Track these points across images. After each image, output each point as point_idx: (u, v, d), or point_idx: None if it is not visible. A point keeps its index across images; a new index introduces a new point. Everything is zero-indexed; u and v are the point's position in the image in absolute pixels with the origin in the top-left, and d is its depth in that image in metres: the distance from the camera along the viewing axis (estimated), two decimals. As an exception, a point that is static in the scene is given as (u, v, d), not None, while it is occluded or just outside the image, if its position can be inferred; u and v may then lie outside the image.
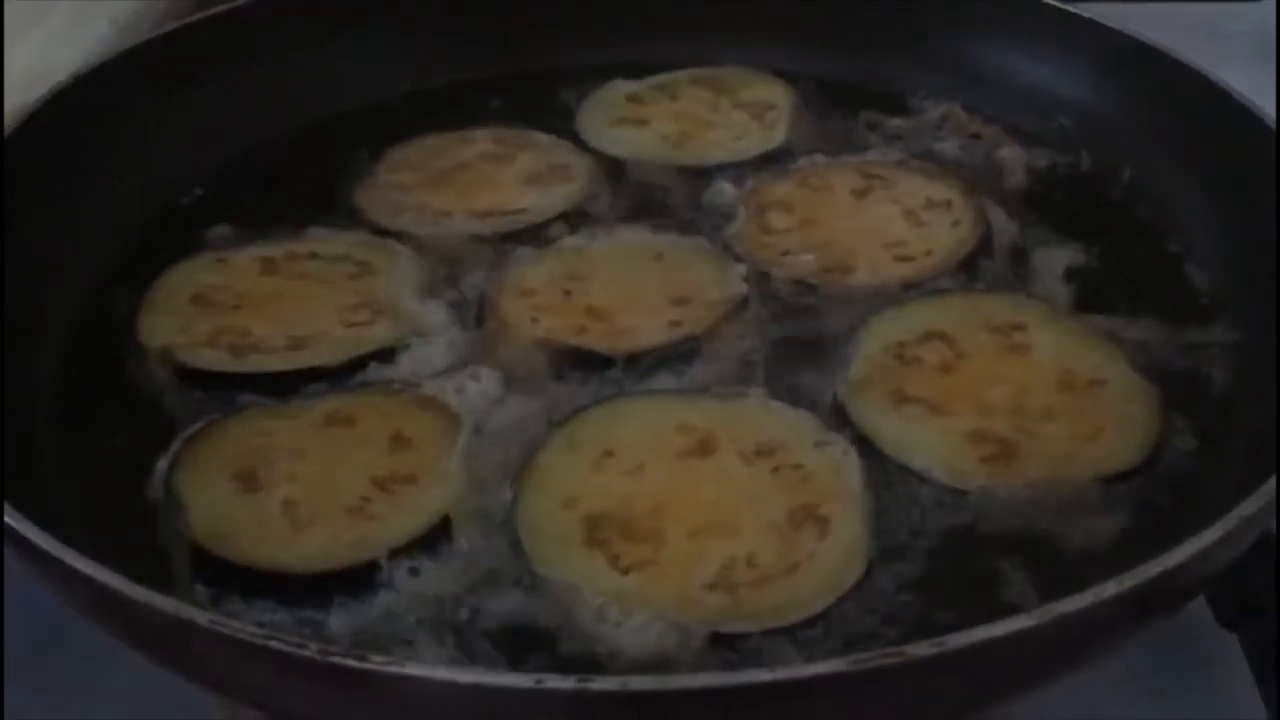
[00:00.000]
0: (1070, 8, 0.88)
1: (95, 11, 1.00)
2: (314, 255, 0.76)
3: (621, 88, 0.93)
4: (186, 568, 0.58)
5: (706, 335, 0.70)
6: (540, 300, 0.72)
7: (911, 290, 0.73)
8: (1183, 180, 0.81)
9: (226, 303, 0.73)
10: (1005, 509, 0.61)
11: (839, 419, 0.64)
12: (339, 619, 0.56)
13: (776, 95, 0.91)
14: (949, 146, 0.87)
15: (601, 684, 0.45)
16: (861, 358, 0.68)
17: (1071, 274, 0.76)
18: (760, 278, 0.74)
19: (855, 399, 0.65)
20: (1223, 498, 0.55)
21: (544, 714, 0.46)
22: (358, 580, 0.57)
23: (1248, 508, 0.52)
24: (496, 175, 0.84)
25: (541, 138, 0.87)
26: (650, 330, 0.70)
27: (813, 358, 0.69)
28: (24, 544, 0.51)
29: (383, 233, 0.78)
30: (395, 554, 0.58)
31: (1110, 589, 0.48)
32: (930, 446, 0.63)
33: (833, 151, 0.86)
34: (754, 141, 0.87)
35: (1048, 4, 0.89)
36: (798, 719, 0.48)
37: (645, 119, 0.90)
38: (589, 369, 0.68)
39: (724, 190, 0.83)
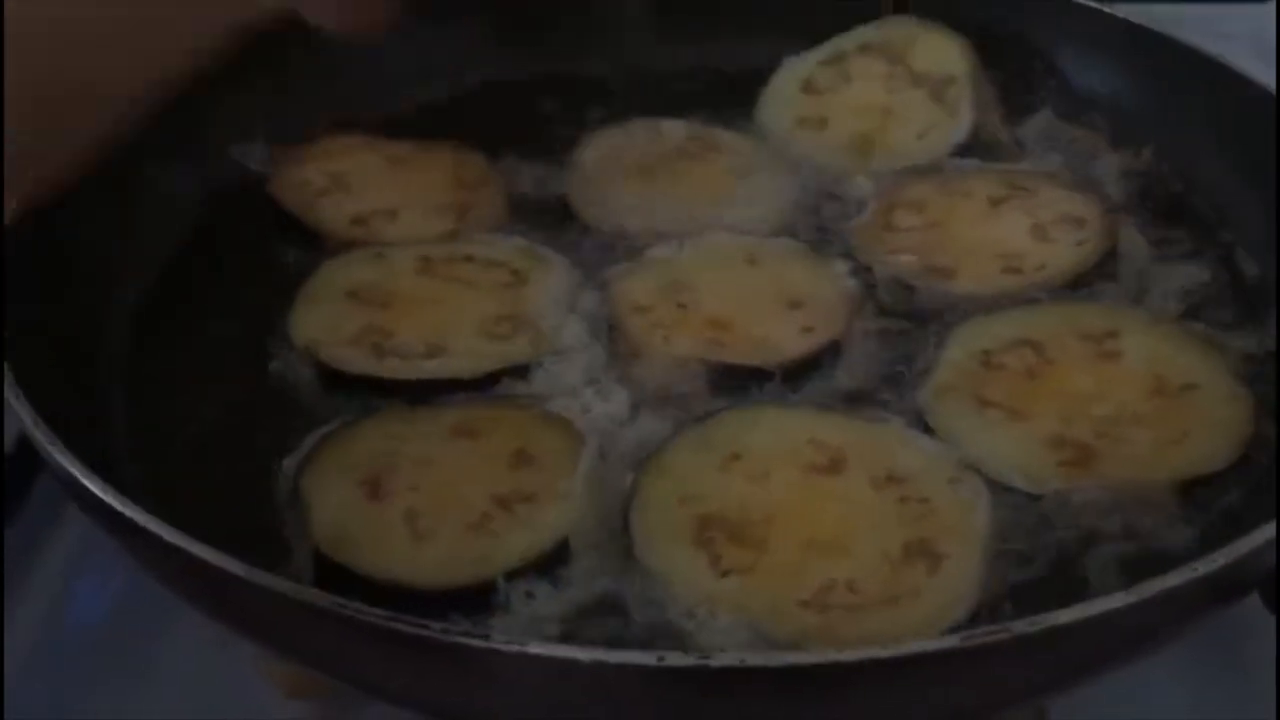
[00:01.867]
0: (1104, 7, 0.88)
1: None
2: (470, 259, 0.77)
3: (793, 71, 0.91)
4: (309, 570, 0.60)
5: (844, 338, 0.70)
6: (659, 316, 0.72)
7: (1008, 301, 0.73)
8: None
9: (377, 300, 0.74)
10: (1081, 512, 0.62)
11: (921, 424, 0.65)
12: (321, 595, 0.56)
13: (951, 59, 0.88)
14: (1108, 160, 0.86)
15: (722, 660, 0.48)
16: (945, 363, 0.69)
17: (1189, 293, 0.75)
18: (865, 274, 0.75)
19: (936, 404, 0.66)
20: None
21: (663, 691, 0.48)
22: (474, 600, 0.58)
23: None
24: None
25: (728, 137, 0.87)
26: (786, 338, 0.71)
27: (911, 366, 0.70)
28: (148, 537, 0.53)
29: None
30: (512, 576, 0.59)
31: (1200, 569, 0.51)
32: (1007, 451, 0.64)
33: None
34: (940, 136, 0.85)
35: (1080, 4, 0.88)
36: (908, 694, 0.50)
37: (824, 117, 0.88)
38: (742, 384, 0.69)
39: (862, 185, 0.82)
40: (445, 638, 0.48)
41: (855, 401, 0.68)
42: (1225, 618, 0.57)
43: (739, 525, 0.60)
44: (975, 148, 0.85)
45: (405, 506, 0.62)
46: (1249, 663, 0.67)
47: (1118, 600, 0.49)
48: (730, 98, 0.90)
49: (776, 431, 0.64)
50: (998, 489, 0.63)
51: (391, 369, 0.70)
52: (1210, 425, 0.65)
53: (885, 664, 0.48)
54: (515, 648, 0.48)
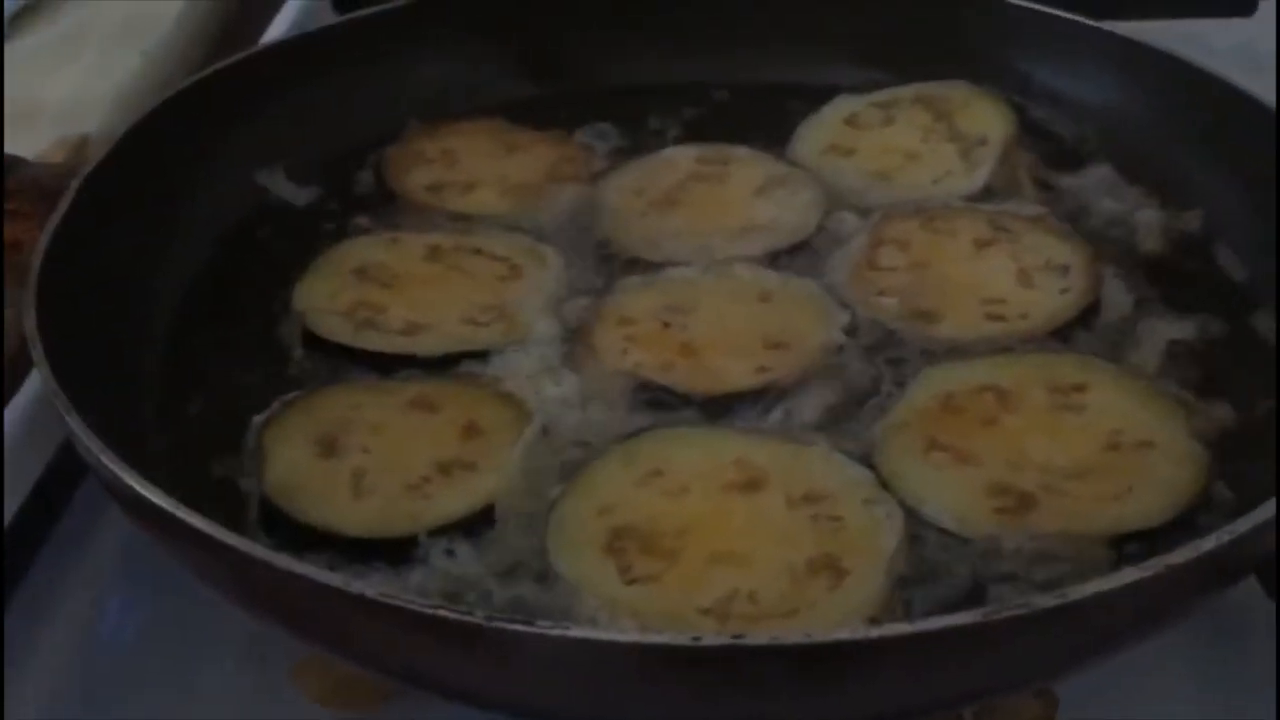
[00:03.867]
0: (1102, 25, 0.92)
1: (126, 45, 1.10)
2: (478, 251, 0.84)
3: (845, 104, 0.96)
4: (256, 517, 0.66)
5: (790, 383, 0.72)
6: (636, 330, 0.77)
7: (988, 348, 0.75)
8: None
9: (380, 279, 0.81)
10: (1010, 561, 0.63)
11: (869, 463, 0.67)
12: (372, 585, 0.61)
13: (993, 124, 0.92)
14: (1103, 203, 0.88)
15: (754, 639, 0.50)
16: (905, 403, 0.70)
17: (1174, 347, 0.76)
18: (853, 317, 0.77)
19: (886, 443, 0.68)
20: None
21: (698, 669, 0.51)
22: (397, 552, 0.64)
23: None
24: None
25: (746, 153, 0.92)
26: (736, 374, 0.73)
27: (878, 405, 0.72)
28: (157, 513, 0.57)
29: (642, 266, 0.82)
30: (435, 533, 0.64)
31: (1214, 540, 0.53)
32: (945, 493, 0.65)
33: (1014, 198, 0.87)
34: (952, 184, 0.89)
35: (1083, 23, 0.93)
36: (932, 671, 0.53)
37: (854, 148, 0.93)
38: (667, 404, 0.72)
39: (846, 219, 0.85)
40: (485, 623, 0.50)
41: (796, 431, 0.70)
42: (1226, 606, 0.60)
43: (650, 537, 0.63)
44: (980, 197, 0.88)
45: (353, 465, 0.68)
46: (1250, 652, 0.69)
47: (1134, 574, 0.52)
48: (766, 114, 0.96)
49: (703, 451, 0.67)
50: (928, 526, 0.65)
51: (363, 340, 0.76)
52: (1155, 483, 0.66)
53: (913, 639, 0.50)
54: (557, 631, 0.51)
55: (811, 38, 1.00)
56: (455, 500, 0.66)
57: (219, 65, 0.91)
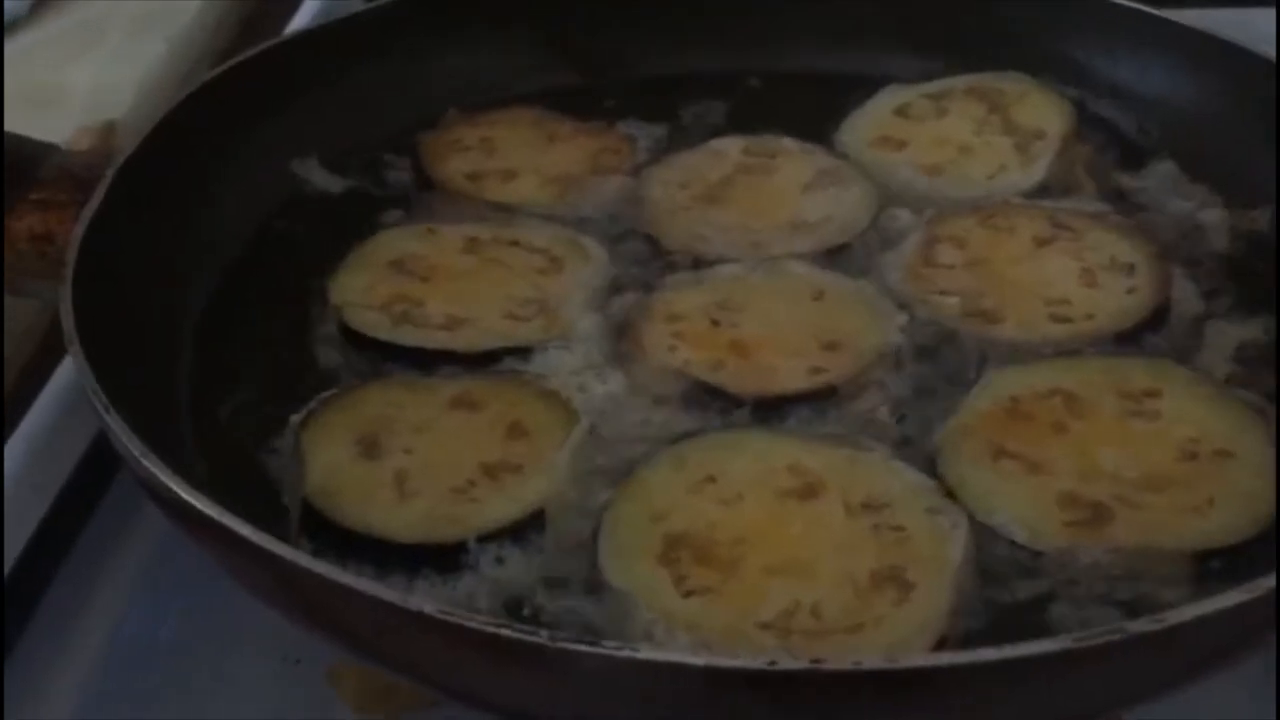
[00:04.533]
0: (1163, 13, 0.90)
1: (150, 32, 1.10)
2: (516, 243, 0.82)
3: (895, 96, 0.93)
4: (297, 520, 0.64)
5: (845, 386, 0.70)
6: (685, 328, 0.75)
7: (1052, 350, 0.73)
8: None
9: (418, 272, 0.79)
10: (1084, 573, 0.61)
11: (931, 469, 0.65)
12: (420, 592, 0.60)
13: (1049, 118, 0.90)
14: (1167, 201, 0.85)
15: (835, 664, 0.48)
16: (968, 408, 0.68)
17: (1242, 350, 0.73)
18: (910, 316, 0.75)
19: (949, 449, 0.66)
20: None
21: (772, 694, 0.49)
22: (445, 558, 0.62)
23: None
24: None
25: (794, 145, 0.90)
26: (789, 374, 0.71)
27: (938, 409, 0.70)
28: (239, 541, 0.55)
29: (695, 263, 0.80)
30: (484, 539, 0.62)
31: None
32: (1015, 503, 0.63)
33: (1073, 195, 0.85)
34: (1008, 180, 0.87)
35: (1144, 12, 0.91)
36: (1011, 696, 0.51)
37: (905, 140, 0.91)
38: (718, 405, 0.70)
39: (900, 216, 0.83)
40: (551, 644, 0.48)
41: (852, 435, 0.68)
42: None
43: (706, 546, 0.61)
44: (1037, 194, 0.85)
45: (396, 467, 0.66)
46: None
47: (1232, 599, 0.50)
48: (813, 104, 0.94)
49: (755, 455, 0.66)
50: (997, 538, 0.63)
51: (403, 336, 0.73)
52: (1238, 496, 0.64)
53: (998, 666, 0.48)
54: (626, 654, 0.48)
55: (860, 26, 0.98)
56: (504, 505, 0.64)
57: (250, 53, 0.89)
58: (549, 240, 0.82)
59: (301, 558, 0.52)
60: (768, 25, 1.00)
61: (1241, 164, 0.85)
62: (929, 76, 0.95)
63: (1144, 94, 0.92)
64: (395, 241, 0.82)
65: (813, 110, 0.93)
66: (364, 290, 0.77)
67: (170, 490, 0.55)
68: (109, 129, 0.93)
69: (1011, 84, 0.94)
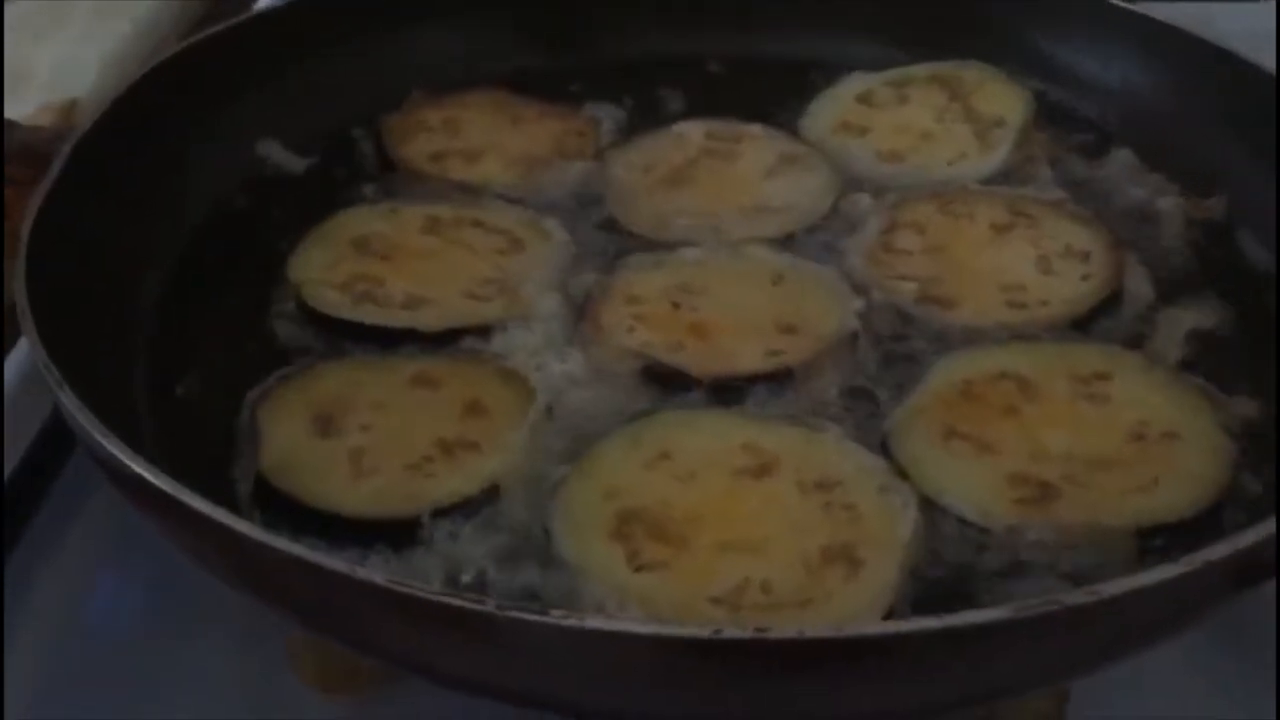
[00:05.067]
0: (1125, 4, 0.91)
1: (115, 12, 1.11)
2: (478, 223, 0.82)
3: (857, 82, 0.95)
4: (250, 495, 0.64)
5: (801, 368, 0.71)
6: (645, 310, 0.76)
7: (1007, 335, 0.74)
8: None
9: (379, 251, 0.80)
10: (1031, 552, 0.62)
11: (884, 450, 0.67)
12: (373, 566, 0.61)
13: (1010, 106, 0.92)
14: (1124, 189, 0.86)
15: (779, 633, 0.49)
16: (923, 390, 0.69)
17: (1193, 335, 0.75)
18: (868, 301, 0.76)
19: (902, 430, 0.67)
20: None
21: (719, 663, 0.50)
22: (399, 534, 0.62)
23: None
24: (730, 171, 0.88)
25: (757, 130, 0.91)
26: (746, 356, 0.72)
27: (893, 391, 0.71)
28: (143, 486, 0.56)
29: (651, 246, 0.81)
30: (439, 515, 0.63)
31: (1251, 536, 0.52)
32: (964, 483, 0.65)
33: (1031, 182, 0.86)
34: (968, 166, 0.88)
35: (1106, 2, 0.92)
36: (958, 667, 0.52)
37: (867, 127, 0.92)
38: (675, 386, 0.71)
39: (860, 201, 0.83)
40: (500, 613, 0.49)
41: (807, 416, 0.69)
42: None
43: (659, 522, 0.62)
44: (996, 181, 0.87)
45: (353, 444, 0.67)
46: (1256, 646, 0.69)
47: (1168, 571, 0.51)
48: (777, 89, 0.95)
49: (711, 434, 0.67)
50: (946, 516, 0.64)
51: (363, 314, 0.74)
52: (1182, 475, 0.65)
53: (940, 635, 0.49)
54: (572, 622, 0.49)
55: (825, 13, 0.99)
56: (459, 481, 0.65)
57: (213, 30, 0.90)
58: (511, 221, 0.83)
59: (251, 529, 0.53)
60: (734, 10, 1.01)
61: (1197, 153, 0.87)
62: (891, 64, 0.96)
63: (1104, 83, 0.93)
64: (357, 221, 0.83)
65: (776, 96, 0.94)
66: (324, 269, 0.78)
67: (123, 464, 0.56)
68: (70, 107, 0.93)
69: (972, 72, 0.95)
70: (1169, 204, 0.84)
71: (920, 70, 0.96)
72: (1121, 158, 0.89)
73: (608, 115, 0.94)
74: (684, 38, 0.99)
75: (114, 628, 0.73)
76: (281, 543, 0.52)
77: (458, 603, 0.50)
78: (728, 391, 0.70)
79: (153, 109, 0.82)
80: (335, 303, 0.76)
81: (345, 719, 0.68)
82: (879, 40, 0.98)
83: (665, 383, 0.71)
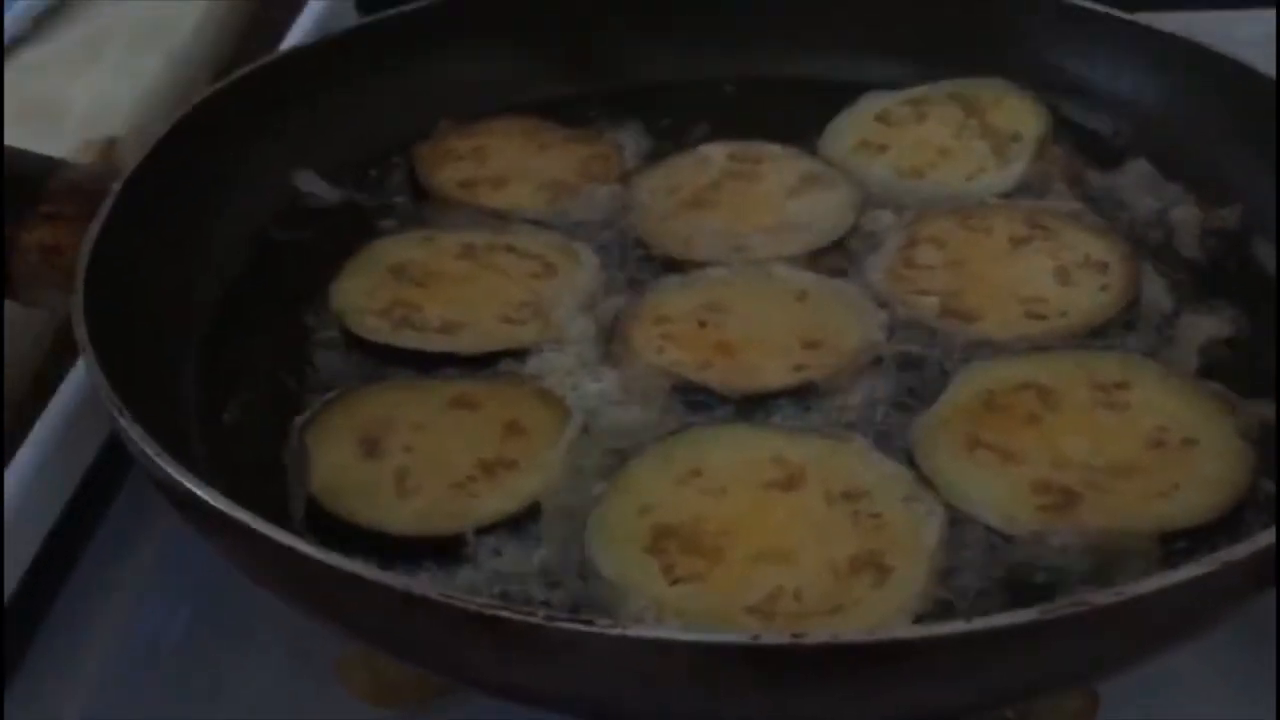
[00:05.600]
0: (1133, 17, 0.94)
1: (149, 48, 1.13)
2: (511, 249, 0.85)
3: (876, 101, 0.97)
4: (301, 517, 0.68)
5: (827, 382, 0.74)
6: (674, 329, 0.78)
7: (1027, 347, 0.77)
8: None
9: (416, 278, 0.83)
10: (1054, 555, 0.64)
11: (909, 460, 0.69)
12: (422, 584, 0.63)
13: (1026, 121, 0.94)
14: (1141, 200, 0.89)
15: (814, 638, 0.52)
16: (946, 401, 0.72)
17: (1210, 346, 0.77)
18: (890, 316, 0.79)
19: (926, 441, 0.70)
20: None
21: (756, 668, 0.52)
22: (446, 551, 0.66)
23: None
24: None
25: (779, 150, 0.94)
26: (772, 372, 0.75)
27: (917, 403, 0.73)
28: (207, 511, 0.59)
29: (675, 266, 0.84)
30: (482, 532, 0.66)
31: (1271, 535, 0.54)
32: (989, 490, 0.67)
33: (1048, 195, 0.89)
34: (985, 182, 0.91)
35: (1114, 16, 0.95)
36: (983, 668, 0.54)
37: (886, 144, 0.94)
38: (704, 403, 0.74)
39: (881, 218, 0.86)
40: (548, 624, 0.51)
41: (833, 429, 0.72)
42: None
43: (693, 536, 0.65)
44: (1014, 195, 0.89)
45: (397, 465, 0.70)
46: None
47: (1187, 572, 0.53)
48: (796, 110, 0.98)
49: (739, 448, 0.69)
50: (971, 523, 0.66)
51: (403, 339, 0.77)
52: (1203, 480, 0.67)
53: (969, 638, 0.52)
54: (616, 631, 0.52)
55: (839, 33, 1.02)
56: (501, 499, 0.67)
57: (247, 69, 0.93)
58: (543, 246, 0.86)
59: (311, 549, 0.55)
60: (758, 33, 1.03)
61: (1212, 163, 0.89)
62: (906, 82, 0.99)
63: (1118, 96, 0.96)
64: (395, 249, 0.86)
65: (795, 116, 0.97)
66: (365, 295, 0.81)
67: (184, 488, 0.59)
68: (110, 146, 0.97)
69: (989, 89, 0.98)
70: (1184, 213, 0.87)
71: (937, 88, 0.98)
72: (1137, 168, 0.91)
73: (631, 140, 0.97)
74: (702, 63, 1.02)
75: (163, 650, 0.76)
76: (341, 561, 0.55)
77: (506, 614, 0.53)
78: (755, 407, 0.73)
79: (193, 147, 0.85)
80: (375, 328, 0.79)
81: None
82: (894, 59, 1.01)
83: (694, 400, 0.74)
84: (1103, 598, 0.53)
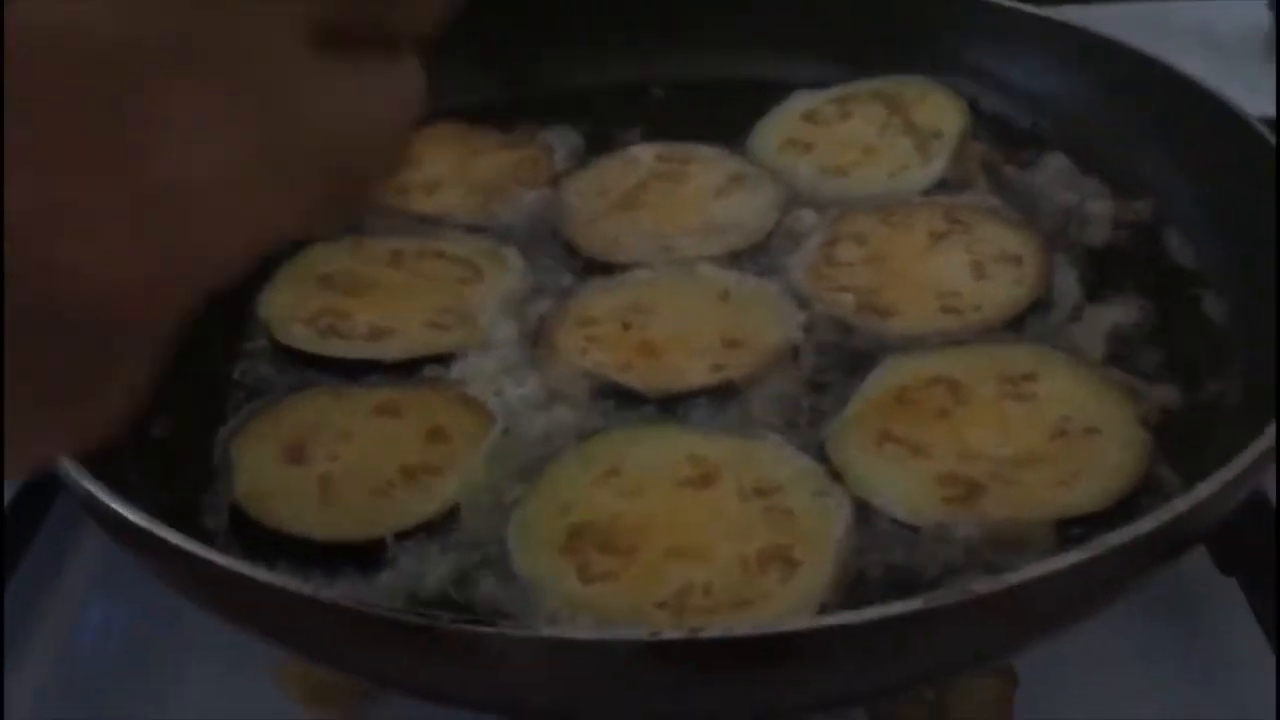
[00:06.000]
0: (1043, 12, 0.96)
1: None
2: (441, 254, 0.87)
3: (802, 101, 0.99)
4: (224, 525, 0.69)
5: (745, 381, 0.76)
6: (599, 331, 0.80)
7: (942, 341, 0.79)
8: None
9: (344, 285, 0.85)
10: (959, 547, 0.66)
11: (822, 456, 0.71)
12: (342, 589, 0.66)
13: (947, 118, 0.96)
14: (1057, 193, 0.91)
15: (709, 632, 0.54)
16: (859, 397, 0.74)
17: (1117, 332, 0.79)
18: (810, 314, 0.80)
19: (839, 436, 0.72)
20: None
21: (659, 663, 0.54)
22: (365, 556, 0.67)
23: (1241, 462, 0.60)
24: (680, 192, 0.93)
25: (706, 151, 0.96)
26: (692, 372, 0.77)
27: (833, 400, 0.76)
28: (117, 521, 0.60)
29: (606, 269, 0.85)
30: (402, 537, 0.67)
31: (1152, 522, 0.57)
32: (896, 484, 0.69)
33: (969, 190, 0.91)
34: (909, 178, 0.93)
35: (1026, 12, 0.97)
36: (876, 657, 0.56)
37: (812, 143, 0.96)
38: (626, 403, 0.75)
39: (805, 217, 0.88)
40: (447, 626, 0.53)
41: (751, 427, 0.74)
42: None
43: (609, 535, 0.66)
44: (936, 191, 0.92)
45: (321, 472, 0.72)
46: (1202, 627, 0.75)
47: (1067, 559, 0.55)
48: (725, 111, 0.99)
49: (657, 448, 0.71)
50: (879, 516, 0.68)
51: (329, 348, 0.79)
52: (1102, 468, 0.69)
53: (859, 629, 0.53)
54: (517, 631, 0.54)
55: (765, 34, 1.04)
56: (419, 504, 0.69)
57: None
58: (470, 251, 0.88)
59: (217, 556, 0.57)
60: (686, 36, 1.05)
61: (1126, 156, 0.91)
62: (833, 82, 1.01)
63: (1035, 90, 0.98)
64: (324, 257, 0.87)
65: (723, 117, 0.99)
66: (293, 305, 0.83)
67: (100, 502, 0.60)
68: None
69: (912, 86, 1.00)
70: (1099, 206, 0.89)
71: (863, 86, 1.00)
72: (1056, 163, 0.93)
73: (562, 143, 0.98)
74: (632, 66, 1.04)
75: (104, 654, 0.78)
76: (246, 568, 0.56)
77: (410, 618, 0.54)
78: (676, 406, 0.75)
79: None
80: (302, 337, 0.81)
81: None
82: (816, 58, 1.03)
83: (617, 401, 0.75)
84: (986, 586, 0.55)
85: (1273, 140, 0.80)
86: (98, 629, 0.79)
